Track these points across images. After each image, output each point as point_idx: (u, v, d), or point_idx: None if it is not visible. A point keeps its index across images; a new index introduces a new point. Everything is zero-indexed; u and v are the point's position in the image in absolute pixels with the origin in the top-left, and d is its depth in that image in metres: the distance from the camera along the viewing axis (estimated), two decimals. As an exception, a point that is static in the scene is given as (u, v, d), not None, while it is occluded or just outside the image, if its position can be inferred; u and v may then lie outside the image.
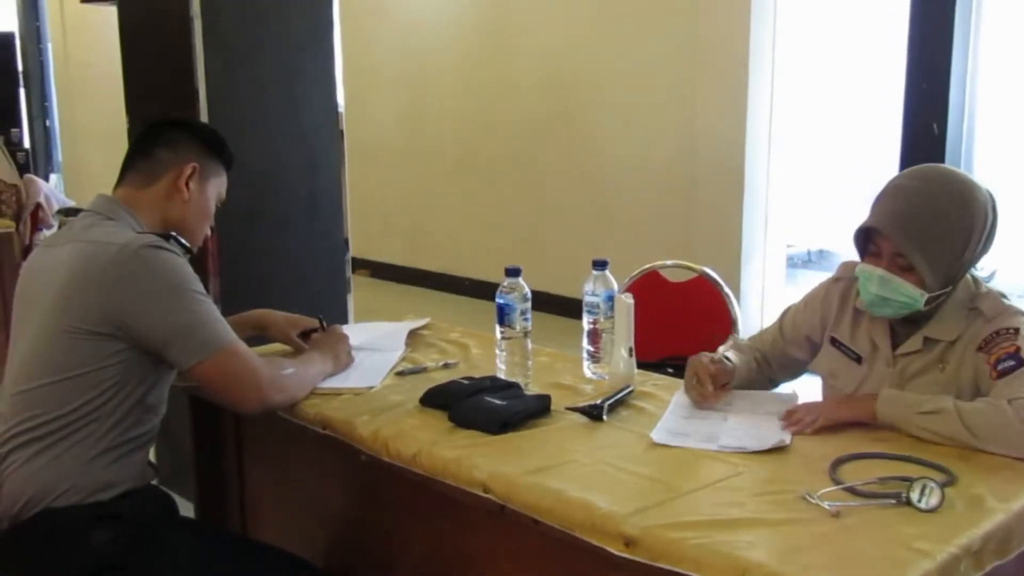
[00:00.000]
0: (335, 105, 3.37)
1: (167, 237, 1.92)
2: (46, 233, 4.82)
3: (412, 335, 2.51)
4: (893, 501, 1.46)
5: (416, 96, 7.11)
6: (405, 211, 7.35)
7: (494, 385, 1.98)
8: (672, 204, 5.46)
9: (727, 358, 2.05)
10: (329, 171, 3.38)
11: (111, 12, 3.50)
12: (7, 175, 5.00)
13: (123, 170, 2.03)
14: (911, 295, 1.82)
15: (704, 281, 2.92)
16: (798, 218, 5.80)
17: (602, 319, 2.12)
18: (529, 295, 2.09)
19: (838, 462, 1.61)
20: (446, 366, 2.25)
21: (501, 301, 2.08)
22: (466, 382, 1.99)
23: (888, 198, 1.87)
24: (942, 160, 4.11)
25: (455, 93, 6.81)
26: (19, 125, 8.36)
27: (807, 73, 5.32)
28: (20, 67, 8.95)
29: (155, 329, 1.81)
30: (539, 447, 1.75)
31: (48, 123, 10.19)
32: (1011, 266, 4.29)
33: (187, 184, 2.00)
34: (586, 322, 2.15)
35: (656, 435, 1.77)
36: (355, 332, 2.38)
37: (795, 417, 1.80)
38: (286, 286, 3.23)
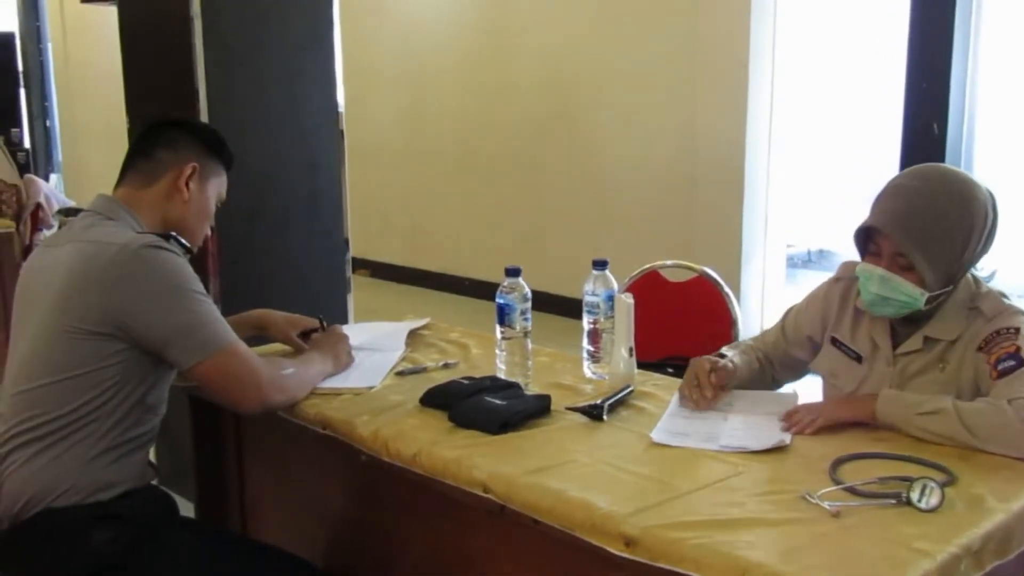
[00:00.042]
0: (335, 105, 3.37)
1: (167, 237, 1.92)
2: (46, 233, 4.82)
3: (412, 335, 2.51)
4: (893, 501, 1.46)
5: (416, 96, 7.11)
6: (405, 211, 7.35)
7: (494, 385, 1.98)
8: (672, 204, 5.46)
9: (729, 359, 2.05)
10: (329, 171, 3.38)
11: (111, 12, 3.50)
12: (8, 175, 5.01)
13: (123, 170, 2.03)
14: (911, 294, 1.82)
15: (704, 281, 2.92)
16: (798, 218, 5.80)
17: (602, 319, 2.12)
18: (529, 295, 2.09)
19: (838, 462, 1.61)
20: (446, 366, 2.25)
21: (501, 301, 2.08)
22: (466, 382, 1.99)
23: (888, 197, 1.87)
24: (942, 160, 4.10)
25: (455, 93, 6.81)
26: (19, 125, 8.35)
27: (807, 73, 5.32)
28: (20, 67, 8.95)
29: (155, 329, 1.81)
30: (539, 447, 1.75)
31: (48, 123, 10.19)
32: (1011, 266, 4.29)
33: (187, 184, 2.00)
34: (586, 322, 2.15)
35: (656, 435, 1.77)
36: (355, 332, 2.38)
37: (795, 418, 1.80)
38: (286, 286, 3.23)
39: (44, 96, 10.14)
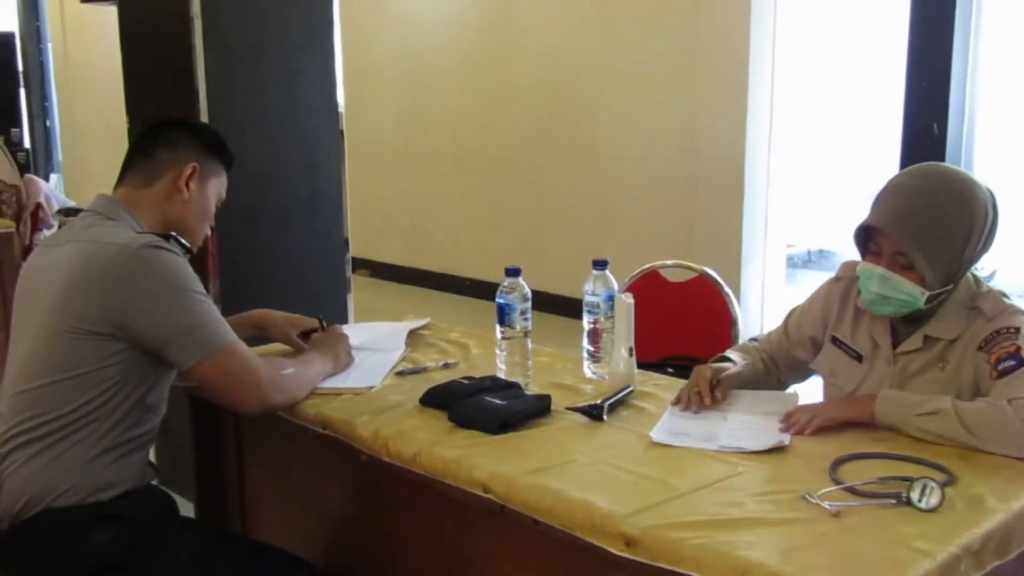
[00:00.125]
0: (335, 105, 3.37)
1: (167, 237, 1.92)
2: (46, 233, 4.82)
3: (412, 335, 2.51)
4: (893, 501, 1.46)
5: (416, 96, 7.11)
6: (405, 211, 7.36)
7: (494, 385, 1.98)
8: (672, 204, 5.46)
9: (731, 360, 2.05)
10: (329, 171, 3.38)
11: (111, 12, 3.50)
12: (8, 176, 5.00)
13: (123, 170, 2.03)
14: (911, 293, 1.82)
15: (704, 281, 2.92)
16: (798, 218, 5.80)
17: (602, 319, 2.12)
18: (529, 295, 2.09)
19: (838, 462, 1.61)
20: (446, 366, 2.25)
21: (501, 301, 2.08)
22: (466, 382, 1.99)
23: (888, 196, 1.87)
24: (942, 160, 4.10)
25: (455, 93, 6.81)
26: (19, 125, 8.35)
27: (807, 73, 5.32)
28: (20, 67, 8.95)
29: (155, 329, 1.81)
30: (539, 447, 1.75)
31: (48, 123, 10.19)
32: (1012, 266, 4.29)
33: (187, 184, 2.00)
34: (586, 322, 2.15)
35: (655, 434, 1.77)
36: (355, 332, 2.38)
37: (793, 419, 1.80)
38: (286, 286, 3.23)
39: (44, 96, 10.13)
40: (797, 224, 5.87)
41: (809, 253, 7.20)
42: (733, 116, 5.06)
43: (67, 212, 4.97)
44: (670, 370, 2.55)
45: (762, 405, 1.93)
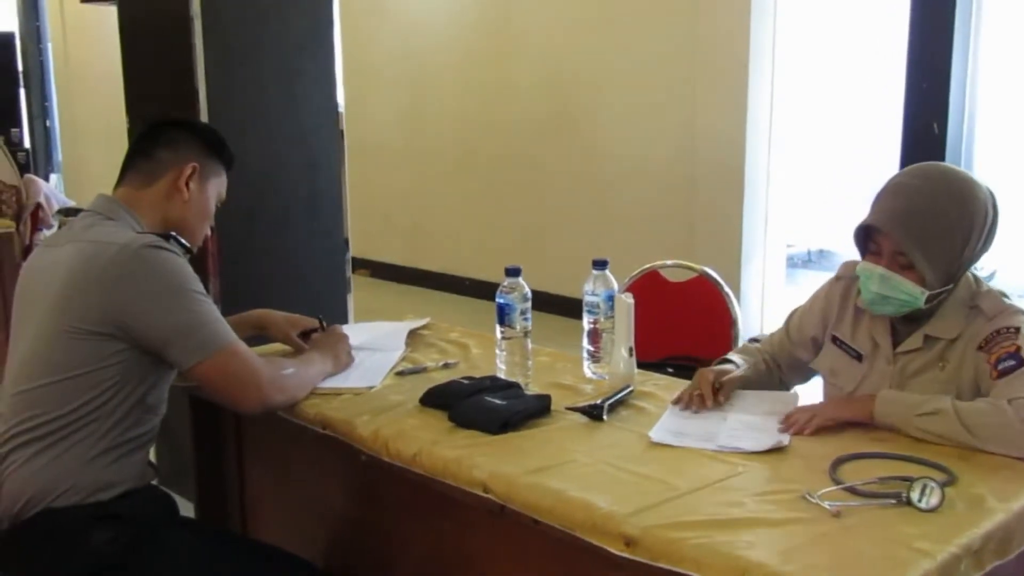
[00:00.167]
0: (335, 105, 3.37)
1: (167, 237, 1.92)
2: (46, 233, 4.82)
3: (412, 335, 2.51)
4: (893, 501, 1.46)
5: (416, 96, 7.11)
6: (405, 211, 7.35)
7: (494, 385, 1.98)
8: (672, 204, 5.46)
9: (734, 363, 2.05)
10: (329, 171, 3.38)
11: (111, 12, 3.50)
12: (8, 176, 5.00)
13: (123, 170, 2.03)
14: (911, 293, 1.82)
15: (704, 281, 2.92)
16: (798, 218, 5.80)
17: (602, 319, 2.12)
18: (529, 295, 2.09)
19: (838, 462, 1.61)
20: (446, 366, 2.25)
21: (501, 301, 2.08)
22: (466, 382, 1.99)
23: (888, 196, 1.87)
24: (942, 160, 4.10)
25: (455, 93, 6.81)
26: (19, 125, 8.35)
27: (807, 73, 5.32)
28: (20, 67, 8.95)
29: (155, 329, 1.81)
30: (539, 447, 1.75)
31: (48, 123, 10.19)
32: (1012, 266, 4.29)
33: (187, 184, 2.00)
34: (586, 322, 2.15)
35: (655, 434, 1.77)
36: (355, 332, 2.38)
37: (792, 419, 1.79)
38: (286, 286, 3.23)
39: (44, 96, 10.14)
40: (797, 224, 5.87)
41: (809, 253, 7.20)
42: (733, 116, 5.06)
43: (67, 212, 4.97)
44: (670, 370, 2.54)
45: (762, 405, 1.93)
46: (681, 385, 2.03)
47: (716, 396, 1.91)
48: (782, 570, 1.28)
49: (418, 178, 7.21)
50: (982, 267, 1.94)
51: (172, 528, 1.95)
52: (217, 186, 2.09)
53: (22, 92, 9.06)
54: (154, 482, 2.00)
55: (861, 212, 1.90)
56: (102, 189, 2.03)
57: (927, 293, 1.82)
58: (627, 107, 5.67)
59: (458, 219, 6.95)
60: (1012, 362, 1.73)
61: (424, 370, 2.22)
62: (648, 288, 2.91)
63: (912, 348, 1.88)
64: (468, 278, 6.73)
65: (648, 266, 3.02)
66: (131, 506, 1.85)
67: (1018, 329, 1.77)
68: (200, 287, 1.87)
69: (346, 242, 3.47)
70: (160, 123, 2.07)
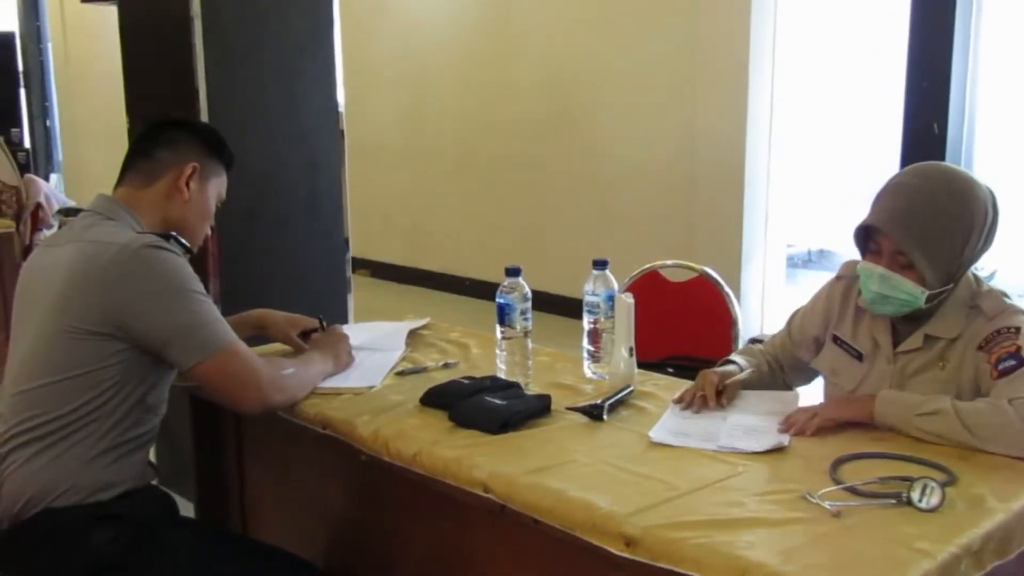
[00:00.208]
0: (335, 105, 3.37)
1: (167, 237, 1.92)
2: (46, 233, 4.82)
3: (412, 335, 2.51)
4: (894, 501, 1.46)
5: (416, 96, 7.11)
6: (405, 211, 7.35)
7: (494, 385, 1.97)
8: (672, 204, 5.46)
9: (737, 364, 2.05)
10: (329, 171, 3.38)
11: (111, 12, 3.50)
12: (8, 176, 5.00)
13: (123, 170, 2.03)
14: (911, 293, 1.82)
15: (704, 281, 2.92)
16: (798, 218, 5.80)
17: (602, 319, 2.12)
18: (529, 295, 2.09)
19: (838, 462, 1.61)
20: (446, 366, 2.25)
21: (501, 301, 2.08)
22: (466, 382, 1.99)
23: (888, 196, 1.87)
24: (942, 160, 4.10)
25: (455, 93, 6.81)
26: (19, 125, 8.35)
27: (807, 73, 5.32)
28: (20, 67, 8.95)
29: (155, 329, 1.81)
30: (539, 447, 1.75)
31: (48, 123, 10.19)
32: (1012, 266, 4.29)
33: (187, 184, 2.00)
34: (586, 322, 2.15)
35: (655, 434, 1.77)
36: (355, 332, 2.38)
37: (792, 420, 1.79)
38: (286, 286, 3.23)
39: (44, 96, 10.14)
40: (797, 224, 5.86)
41: (809, 253, 7.19)
42: (733, 116, 5.06)
43: (67, 212, 4.97)
44: (670, 370, 2.54)
45: (763, 405, 1.93)
46: (681, 385, 2.03)
47: (719, 398, 1.91)
48: (782, 570, 1.28)
49: (418, 178, 7.21)
50: (982, 267, 1.95)
51: (172, 528, 1.95)
52: (217, 186, 2.09)
53: (22, 92, 9.06)
54: (154, 482, 2.00)
55: (861, 212, 1.90)
56: (102, 189, 2.03)
57: (927, 293, 1.82)
58: (627, 107, 5.67)
59: (458, 219, 6.95)
60: (1012, 362, 1.73)
61: (424, 370, 2.22)
62: (648, 288, 2.91)
63: (912, 348, 1.88)
64: (468, 278, 6.73)
65: (648, 266, 3.02)
66: (131, 506, 1.85)
67: (1018, 329, 1.77)
68: (200, 287, 1.87)
69: (346, 242, 3.47)
70: (160, 123, 2.07)
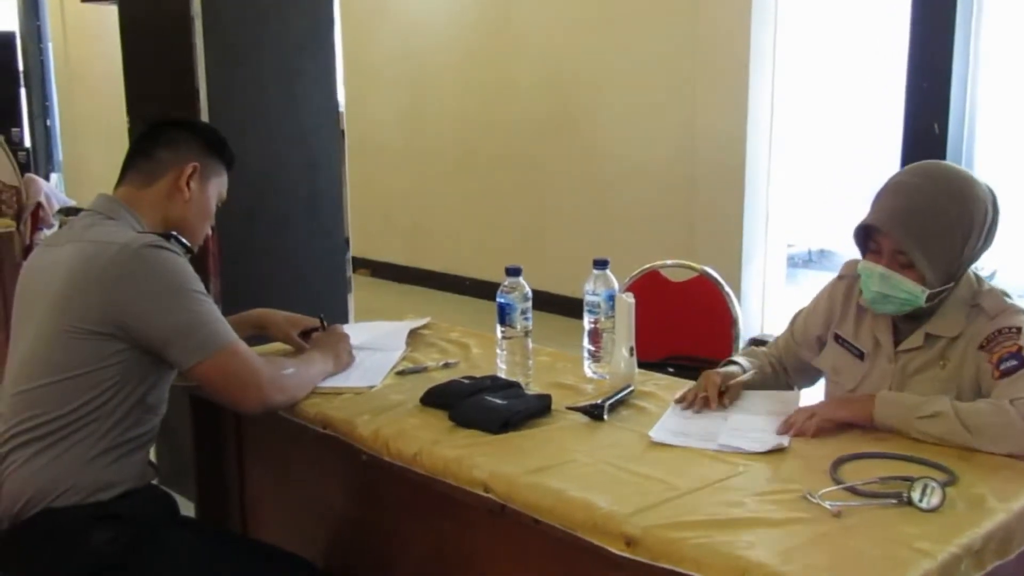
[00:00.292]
0: (335, 105, 3.37)
1: (168, 237, 1.92)
2: (46, 232, 4.82)
3: (413, 335, 2.51)
4: (894, 501, 1.46)
5: (416, 96, 7.11)
6: (406, 211, 7.35)
7: (495, 384, 1.97)
8: (673, 204, 5.46)
9: (739, 364, 2.04)
10: (329, 171, 3.38)
11: (112, 11, 3.50)
12: (8, 176, 5.00)
13: (124, 170, 2.03)
14: (912, 292, 1.82)
15: (705, 281, 2.92)
16: (799, 218, 5.80)
17: (603, 318, 2.12)
18: (530, 294, 2.09)
19: (839, 462, 1.61)
20: (447, 366, 2.25)
21: (502, 300, 2.08)
22: (467, 381, 1.99)
23: (888, 195, 1.87)
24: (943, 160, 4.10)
25: (455, 93, 6.81)
26: (20, 124, 8.36)
27: (808, 73, 5.32)
28: (21, 66, 8.95)
29: (155, 329, 1.80)
30: (540, 447, 1.75)
31: (48, 122, 10.20)
32: (1012, 266, 4.29)
33: (188, 184, 2.00)
34: (587, 321, 2.15)
35: (655, 434, 1.77)
36: (356, 331, 2.38)
37: (791, 421, 1.79)
38: (286, 286, 3.23)
39: (44, 95, 10.14)
40: (798, 224, 5.86)
41: (810, 253, 7.19)
42: (733, 116, 5.06)
43: (67, 212, 4.97)
44: (671, 370, 2.55)
45: (763, 405, 1.93)
46: (682, 385, 2.03)
47: (721, 399, 1.91)
48: (783, 570, 1.28)
49: (418, 178, 7.21)
50: (982, 267, 1.94)
51: (172, 528, 1.95)
52: (218, 186, 2.09)
53: (23, 91, 9.07)
54: (154, 482, 2.00)
55: (862, 212, 1.90)
56: (102, 189, 2.03)
57: (927, 292, 1.81)
58: (627, 107, 5.67)
59: (459, 219, 6.95)
60: (1014, 362, 1.73)
61: (425, 370, 2.22)
62: (649, 288, 2.91)
63: (913, 346, 1.88)
64: (468, 278, 6.73)
65: (648, 266, 3.02)
66: (131, 506, 1.85)
67: (1020, 329, 1.77)
68: (201, 287, 1.87)
69: (346, 242, 3.47)
70: (160, 123, 2.07)
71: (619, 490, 1.54)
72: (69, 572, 1.78)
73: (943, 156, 4.16)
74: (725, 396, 1.92)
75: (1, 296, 4.56)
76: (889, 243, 1.84)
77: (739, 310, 2.86)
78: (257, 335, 2.27)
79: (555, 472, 1.62)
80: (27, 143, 8.64)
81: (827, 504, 1.45)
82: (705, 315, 2.91)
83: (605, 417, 1.87)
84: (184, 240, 1.98)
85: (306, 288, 3.29)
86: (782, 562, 1.29)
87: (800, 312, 2.15)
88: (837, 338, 2.02)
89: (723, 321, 2.85)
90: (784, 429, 1.77)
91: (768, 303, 5.25)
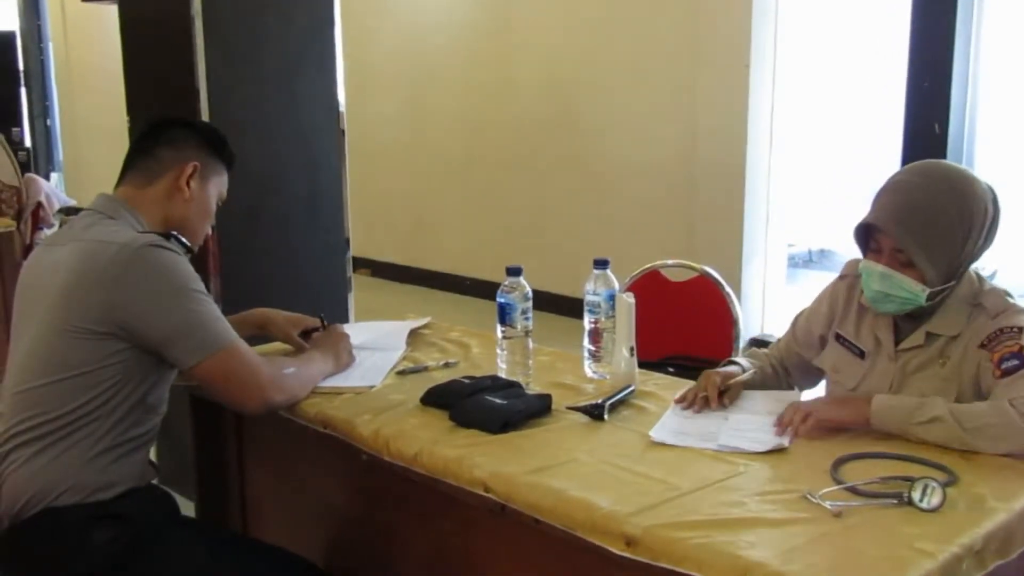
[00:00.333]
0: (336, 104, 3.37)
1: (168, 236, 1.91)
2: (47, 232, 4.82)
3: (413, 334, 2.51)
4: (895, 501, 1.45)
5: (417, 95, 7.11)
6: (406, 210, 7.35)
7: (495, 384, 1.97)
8: (673, 203, 5.46)
9: (740, 365, 2.04)
10: (330, 170, 3.38)
11: (112, 11, 3.50)
12: (9, 176, 5.00)
13: (124, 169, 2.03)
14: (912, 290, 1.82)
15: (705, 280, 2.92)
16: (799, 217, 5.80)
17: (603, 318, 2.12)
18: (530, 294, 2.09)
19: (840, 462, 1.61)
20: (447, 365, 2.25)
21: (502, 300, 2.08)
22: (467, 381, 1.99)
23: (888, 194, 1.87)
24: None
25: (456, 92, 6.81)
26: (20, 124, 8.36)
27: (808, 72, 5.32)
28: (21, 66, 8.96)
29: (156, 328, 1.80)
30: (540, 446, 1.75)
31: (49, 122, 10.20)
32: (1013, 266, 4.29)
33: (188, 183, 2.00)
34: (587, 321, 2.15)
35: (655, 433, 1.77)
36: (356, 331, 2.38)
37: (786, 420, 1.78)
38: (287, 285, 3.22)
39: (45, 95, 10.14)
40: (798, 224, 5.87)
41: (810, 253, 7.20)
42: (734, 116, 5.06)
43: (68, 211, 4.97)
44: (671, 370, 2.55)
45: (764, 405, 1.92)
46: (682, 385, 2.03)
47: (721, 399, 1.91)
48: (783, 570, 1.27)
49: (419, 177, 7.21)
50: (983, 267, 1.94)
51: (173, 528, 1.95)
52: (218, 185, 2.09)
53: (23, 91, 9.07)
54: (155, 481, 1.99)
55: (862, 211, 1.90)
56: (103, 188, 2.03)
57: (928, 290, 1.81)
58: (627, 107, 5.67)
59: (459, 218, 6.95)
60: (1015, 362, 1.73)
61: (425, 369, 2.22)
62: (649, 288, 2.91)
63: (914, 345, 1.88)
64: (469, 277, 6.73)
65: (649, 266, 3.02)
66: (132, 506, 1.84)
67: (1021, 329, 1.77)
68: (201, 286, 1.86)
69: (347, 241, 3.47)
70: (161, 122, 2.07)
71: (619, 490, 1.54)
72: (69, 572, 1.78)
73: (943, 156, 4.16)
74: (725, 396, 1.92)
75: (1, 296, 4.56)
76: (889, 242, 1.84)
77: (739, 310, 2.86)
78: (257, 335, 2.27)
79: (555, 472, 1.62)
80: (27, 143, 8.65)
81: (828, 504, 1.45)
82: (705, 315, 2.91)
83: (605, 417, 1.87)
84: (184, 240, 1.98)
85: (306, 288, 3.29)
86: (783, 562, 1.29)
87: (801, 313, 2.15)
88: (838, 337, 2.02)
89: (723, 321, 2.85)
90: (780, 429, 1.77)
91: (768, 303, 5.25)
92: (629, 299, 2.04)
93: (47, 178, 7.10)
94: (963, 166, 2.03)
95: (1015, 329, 1.77)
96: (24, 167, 5.55)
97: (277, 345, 2.37)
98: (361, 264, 7.09)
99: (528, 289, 2.09)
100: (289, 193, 3.28)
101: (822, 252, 7.12)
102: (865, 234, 1.90)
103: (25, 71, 9.35)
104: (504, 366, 2.10)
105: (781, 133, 5.12)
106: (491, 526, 1.69)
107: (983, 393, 1.78)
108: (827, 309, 2.06)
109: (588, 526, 1.46)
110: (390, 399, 2.01)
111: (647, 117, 5.56)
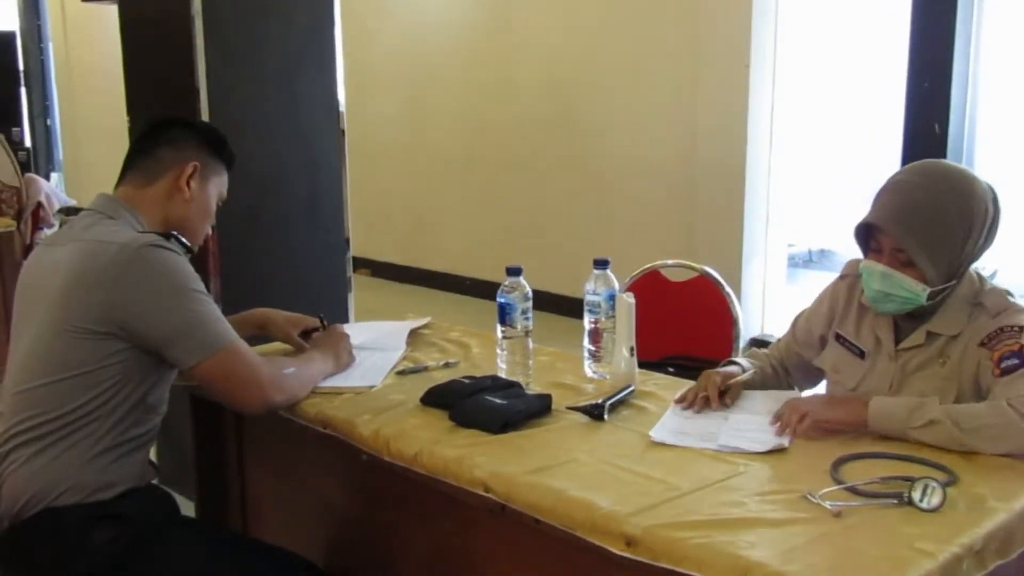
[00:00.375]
0: (336, 104, 3.37)
1: (168, 236, 1.91)
2: (47, 232, 4.82)
3: (413, 334, 2.51)
4: (895, 501, 1.45)
5: (417, 95, 7.11)
6: (406, 210, 7.36)
7: (495, 384, 1.97)
8: (673, 203, 5.46)
9: (740, 365, 2.04)
10: (330, 170, 3.38)
11: (112, 11, 3.50)
12: (9, 176, 5.00)
13: (124, 169, 2.03)
14: (913, 290, 1.82)
15: (705, 280, 2.92)
16: (799, 217, 5.80)
17: (603, 318, 2.12)
18: (530, 294, 2.09)
19: (839, 462, 1.61)
20: (447, 365, 2.25)
21: (502, 300, 2.08)
22: (467, 381, 1.99)
23: (888, 193, 1.87)
24: (943, 160, 4.09)
25: (456, 92, 6.81)
26: (20, 124, 8.36)
27: (808, 72, 5.32)
28: (21, 66, 8.96)
29: (156, 328, 1.80)
30: (540, 447, 1.75)
31: (49, 122, 10.20)
32: (1013, 266, 4.29)
33: (188, 183, 2.00)
34: (587, 321, 2.15)
35: (655, 433, 1.77)
36: (356, 331, 2.38)
37: (784, 419, 1.78)
38: (286, 285, 3.22)
39: (45, 95, 10.15)
40: (798, 224, 5.87)
41: (810, 253, 7.20)
42: (734, 115, 5.06)
43: (68, 211, 4.97)
44: (671, 370, 2.55)
45: (764, 405, 1.92)
46: (682, 385, 2.03)
47: (721, 399, 1.91)
48: (783, 570, 1.27)
49: (419, 177, 7.21)
50: (984, 266, 1.94)
51: (173, 528, 1.95)
52: (218, 185, 2.09)
53: (23, 91, 9.07)
54: (155, 481, 2.00)
55: (862, 212, 1.90)
56: (103, 188, 2.03)
57: (928, 290, 1.81)
58: (628, 107, 5.67)
59: (459, 218, 6.95)
60: (1015, 361, 1.73)
61: (425, 369, 2.22)
62: (649, 288, 2.91)
63: (914, 344, 1.88)
64: (469, 277, 6.73)
65: (649, 266, 3.02)
66: (132, 506, 1.84)
67: (1022, 328, 1.77)
68: (201, 286, 1.86)
69: (347, 241, 3.47)
70: (161, 122, 2.07)
71: (619, 490, 1.54)
72: (70, 572, 1.78)
73: (944, 156, 4.16)
74: (725, 396, 1.92)
75: (1, 296, 4.56)
76: (890, 241, 1.84)
77: (739, 310, 2.86)
78: (258, 335, 2.27)
79: (555, 472, 1.62)
80: (27, 143, 8.65)
81: (828, 504, 1.45)
82: (705, 315, 2.91)
83: (605, 417, 1.87)
84: (184, 240, 1.98)
85: (306, 288, 3.29)
86: (783, 562, 1.29)
87: (801, 313, 2.15)
88: (838, 337, 2.02)
89: (723, 321, 2.85)
90: (779, 431, 1.76)
91: (768, 303, 5.25)
92: (629, 299, 2.04)
93: (47, 178, 7.10)
94: (963, 166, 2.03)
95: (1015, 328, 1.77)
96: (24, 167, 5.55)
97: (277, 345, 2.37)
98: (361, 264, 7.09)
99: (528, 289, 2.09)
100: (289, 193, 3.28)
101: (822, 252, 7.12)
102: (865, 234, 1.90)
103: (25, 71, 9.34)
104: (504, 366, 2.10)
105: (781, 133, 5.12)
106: (491, 526, 1.69)
107: (983, 392, 1.78)
108: (827, 309, 2.06)
109: (588, 526, 1.46)
110: (390, 399, 2.01)
111: (647, 117, 5.56)
